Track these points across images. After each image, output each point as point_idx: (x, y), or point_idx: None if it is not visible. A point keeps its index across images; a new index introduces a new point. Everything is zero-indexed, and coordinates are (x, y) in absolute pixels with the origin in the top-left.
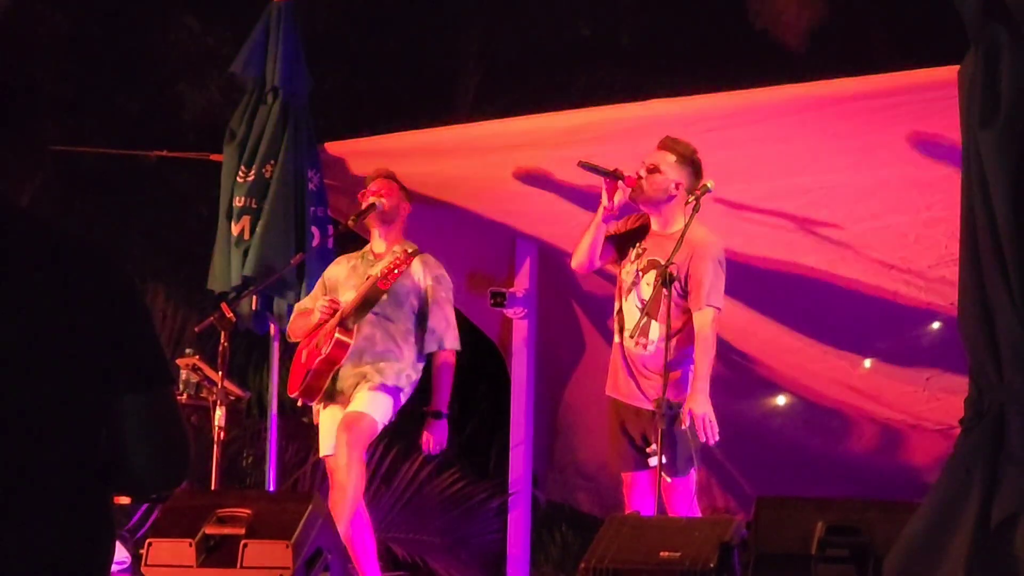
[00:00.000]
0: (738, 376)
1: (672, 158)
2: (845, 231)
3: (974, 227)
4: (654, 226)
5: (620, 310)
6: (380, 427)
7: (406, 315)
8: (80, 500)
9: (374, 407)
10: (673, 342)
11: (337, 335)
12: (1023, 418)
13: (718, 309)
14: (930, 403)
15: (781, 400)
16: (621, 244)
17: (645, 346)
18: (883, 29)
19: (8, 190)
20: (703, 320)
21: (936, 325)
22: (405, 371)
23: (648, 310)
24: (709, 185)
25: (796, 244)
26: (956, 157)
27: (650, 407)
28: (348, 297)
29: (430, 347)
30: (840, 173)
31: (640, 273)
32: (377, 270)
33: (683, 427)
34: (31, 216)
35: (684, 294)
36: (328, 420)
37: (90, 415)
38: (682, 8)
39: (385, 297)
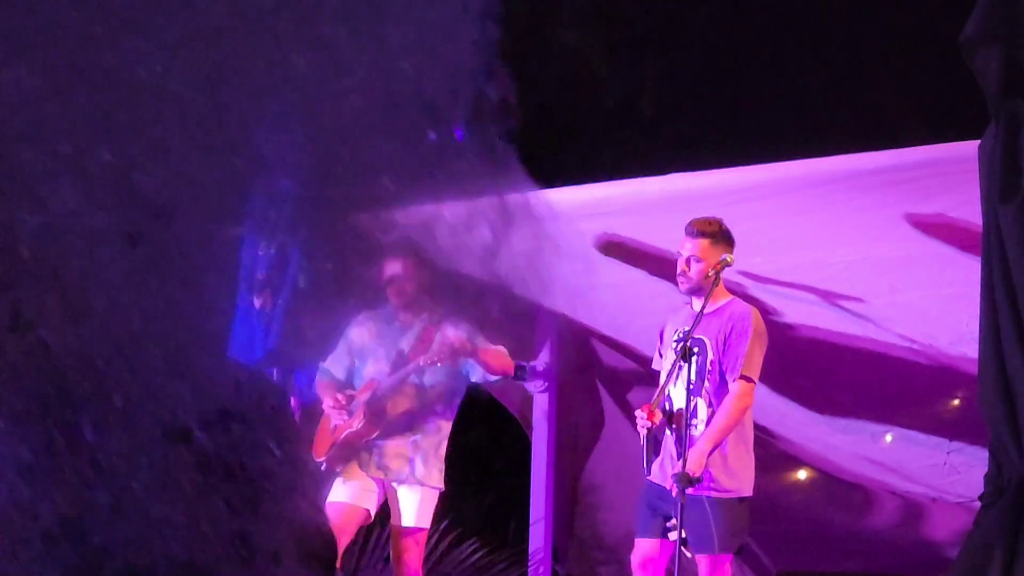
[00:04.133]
0: (758, 450)
1: (707, 243)
2: (866, 305)
3: (993, 301)
4: (697, 307)
5: (668, 397)
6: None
7: (445, 376)
8: None
9: (424, 516)
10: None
11: (370, 412)
12: None
13: (752, 382)
14: (951, 476)
15: (801, 474)
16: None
17: (696, 427)
18: (905, 103)
19: None
20: (733, 389)
21: (956, 401)
22: (444, 439)
23: (694, 390)
24: (728, 259)
25: (818, 317)
26: (977, 232)
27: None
28: (379, 367)
29: (475, 378)
30: (861, 247)
31: (682, 355)
32: (407, 343)
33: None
34: None
35: (723, 369)
36: (354, 483)
37: None
38: (707, 80)
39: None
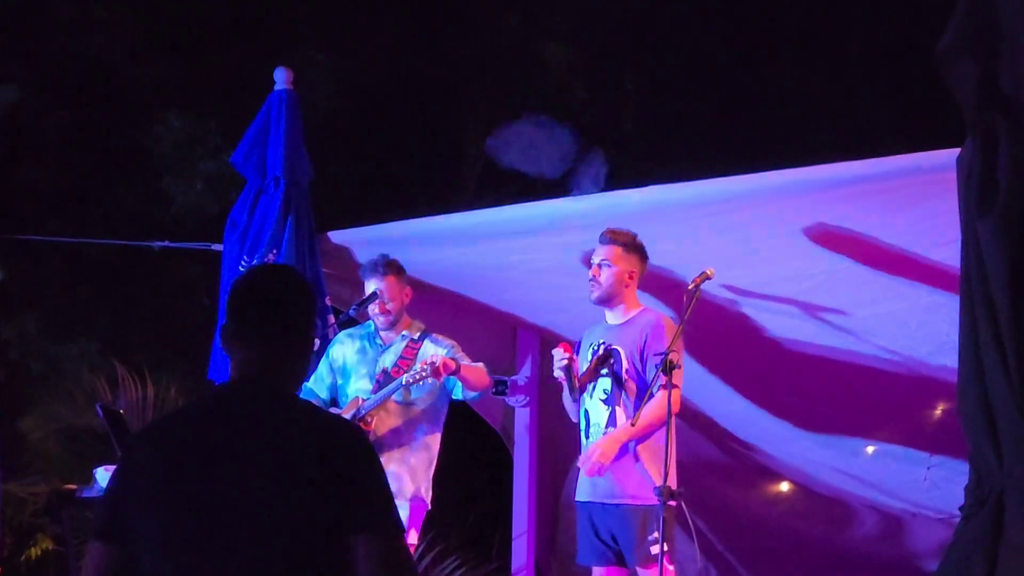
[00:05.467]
0: (739, 465)
1: (619, 250)
2: (849, 317)
3: (973, 314)
4: (610, 319)
5: (585, 410)
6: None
7: (428, 393)
8: None
9: (411, 533)
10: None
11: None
12: (1023, 505)
13: (675, 387)
14: (931, 492)
15: (781, 488)
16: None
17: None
18: (883, 114)
19: (277, 381)
20: (658, 396)
21: (938, 414)
22: (434, 458)
23: (610, 399)
24: (709, 273)
25: (799, 330)
26: (956, 241)
27: (616, 502)
28: (361, 385)
29: (456, 395)
30: (842, 257)
31: (598, 366)
32: (390, 360)
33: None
34: (292, 398)
35: (642, 372)
36: None
37: (332, 555)
38: (683, 93)
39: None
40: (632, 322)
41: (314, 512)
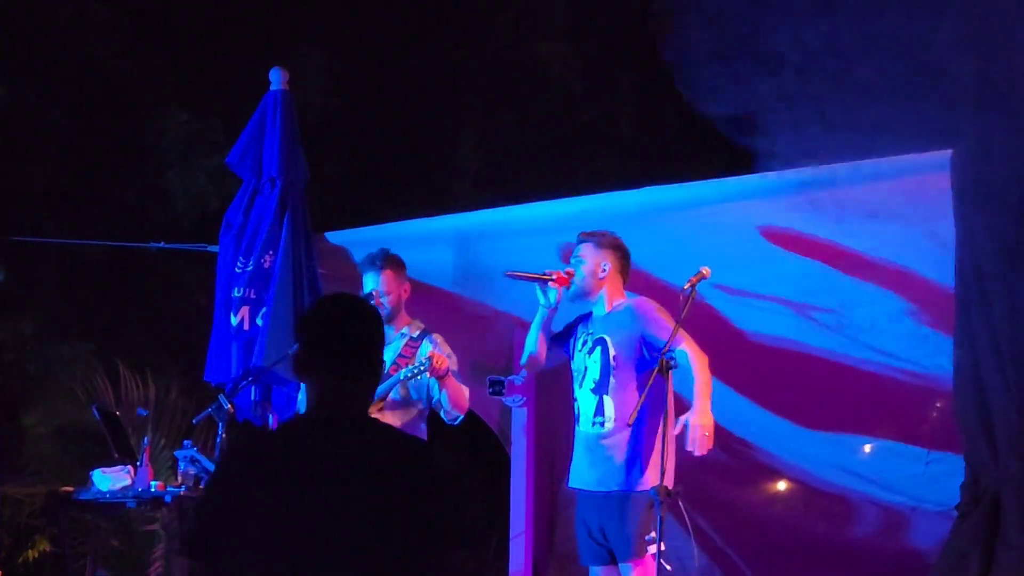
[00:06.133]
0: (739, 463)
1: (590, 247)
2: (845, 316)
3: (968, 311)
4: (597, 311)
5: (576, 398)
6: None
7: (420, 396)
8: None
9: None
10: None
11: None
12: (1019, 502)
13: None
14: (930, 485)
15: (781, 485)
16: (563, 339)
17: (603, 424)
18: (878, 115)
19: (357, 408)
20: (687, 350)
21: (935, 411)
22: None
23: (599, 388)
24: (705, 272)
25: (795, 330)
26: (950, 240)
27: (604, 489)
28: None
29: (448, 419)
30: (836, 257)
31: (588, 355)
32: (388, 358)
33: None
34: (377, 424)
35: (650, 359)
36: None
37: (413, 572)
38: (680, 95)
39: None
40: (617, 310)
41: (401, 534)
